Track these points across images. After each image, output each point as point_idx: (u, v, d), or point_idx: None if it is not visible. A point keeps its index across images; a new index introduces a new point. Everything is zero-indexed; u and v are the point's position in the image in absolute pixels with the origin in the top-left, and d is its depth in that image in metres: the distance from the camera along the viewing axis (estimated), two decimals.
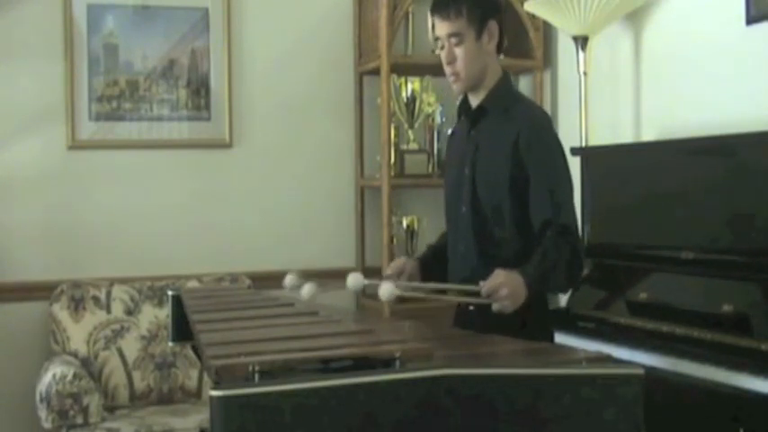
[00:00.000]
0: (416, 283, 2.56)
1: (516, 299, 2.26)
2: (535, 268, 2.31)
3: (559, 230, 2.36)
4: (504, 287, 2.24)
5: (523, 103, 2.57)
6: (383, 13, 4.05)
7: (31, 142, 4.05)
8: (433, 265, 2.65)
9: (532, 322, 2.32)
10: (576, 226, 2.45)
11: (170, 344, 2.81)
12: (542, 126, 2.48)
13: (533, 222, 2.40)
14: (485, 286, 2.26)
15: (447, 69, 2.50)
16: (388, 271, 2.60)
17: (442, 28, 2.47)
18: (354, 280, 2.41)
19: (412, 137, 4.29)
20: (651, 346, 2.81)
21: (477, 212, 2.48)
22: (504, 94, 2.52)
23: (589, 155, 3.51)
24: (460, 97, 2.62)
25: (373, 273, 4.18)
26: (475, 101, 2.54)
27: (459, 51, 2.45)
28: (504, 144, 2.43)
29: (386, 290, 2.27)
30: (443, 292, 2.57)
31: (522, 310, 2.29)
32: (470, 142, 2.53)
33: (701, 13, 3.35)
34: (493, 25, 2.47)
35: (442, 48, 2.49)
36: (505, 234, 2.45)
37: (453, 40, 2.45)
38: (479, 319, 2.34)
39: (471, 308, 2.42)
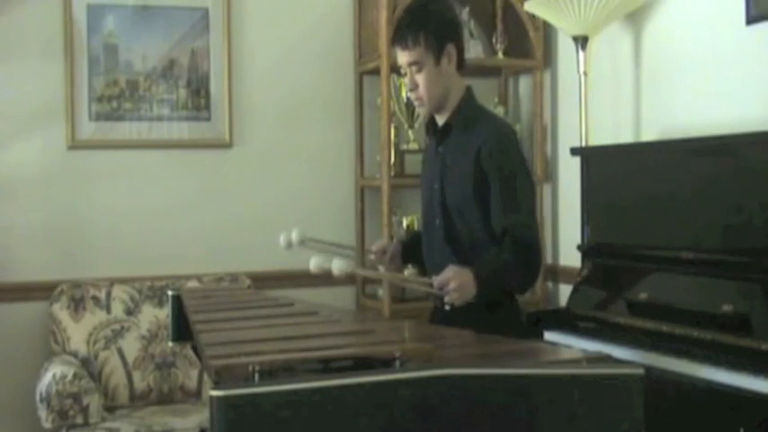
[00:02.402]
0: (378, 271, 2.74)
1: (465, 293, 2.38)
2: (487, 266, 2.43)
3: (516, 235, 2.45)
4: (453, 282, 2.36)
5: (486, 117, 2.66)
6: (383, 13, 4.05)
7: (31, 142, 4.05)
8: (415, 249, 2.77)
9: (506, 324, 2.40)
10: (534, 234, 2.52)
11: (170, 344, 2.81)
12: (503, 136, 2.57)
13: (494, 228, 2.49)
14: (435, 280, 2.39)
15: (411, 95, 2.62)
16: (372, 248, 2.75)
17: (403, 57, 2.57)
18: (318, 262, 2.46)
19: (412, 137, 4.29)
20: (651, 346, 2.81)
21: (449, 224, 2.58)
22: (467, 110, 2.61)
23: (589, 155, 3.51)
24: (427, 117, 2.72)
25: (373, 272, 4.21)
26: (441, 119, 2.64)
27: (420, 78, 2.55)
28: (468, 156, 2.52)
29: (337, 265, 2.39)
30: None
31: (492, 311, 2.42)
32: (438, 158, 2.64)
33: (700, 13, 3.35)
34: (451, 48, 2.56)
35: (405, 74, 2.60)
36: (476, 242, 2.54)
37: (414, 67, 2.55)
38: (456, 320, 2.39)
39: (447, 307, 2.50)
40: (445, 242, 2.59)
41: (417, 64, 2.54)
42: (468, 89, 2.65)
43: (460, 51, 2.60)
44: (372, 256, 2.73)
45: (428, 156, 2.77)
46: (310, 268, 2.43)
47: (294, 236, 2.72)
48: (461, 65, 2.61)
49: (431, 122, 2.70)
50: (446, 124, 2.62)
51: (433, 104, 2.59)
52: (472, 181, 2.50)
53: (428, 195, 2.69)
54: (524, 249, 2.46)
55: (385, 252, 2.73)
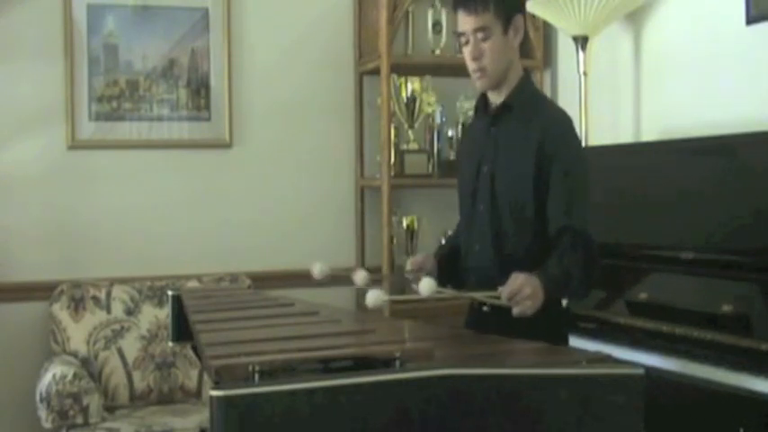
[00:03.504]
0: (439, 290, 2.40)
1: (536, 301, 2.21)
2: (553, 272, 2.27)
3: (576, 236, 2.33)
4: (525, 288, 2.19)
5: (547, 103, 2.56)
6: (383, 13, 4.05)
7: (31, 142, 4.04)
8: (450, 264, 2.61)
9: (548, 324, 2.27)
10: (592, 233, 2.41)
11: (170, 344, 2.81)
12: (568, 129, 2.47)
13: (549, 224, 2.37)
14: (505, 290, 2.21)
15: (472, 65, 2.44)
16: (408, 266, 2.55)
17: (468, 22, 2.41)
18: (374, 297, 2.29)
19: (412, 137, 4.29)
20: (651, 346, 2.81)
21: (495, 210, 2.45)
22: (527, 93, 2.49)
23: (589, 155, 3.49)
24: (479, 94, 2.58)
25: (374, 273, 4.20)
26: (497, 98, 2.50)
27: (486, 46, 2.40)
28: (528, 143, 2.39)
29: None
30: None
31: (537, 311, 2.25)
32: (490, 139, 2.49)
33: (701, 13, 3.35)
34: (519, 20, 2.44)
35: (466, 43, 2.43)
36: (524, 232, 2.41)
37: (480, 35, 2.40)
38: (493, 320, 2.30)
39: (485, 308, 2.38)
40: (490, 230, 2.45)
41: (485, 31, 2.39)
42: (527, 71, 2.53)
43: (525, 29, 2.47)
44: (410, 276, 2.52)
45: (475, 135, 2.61)
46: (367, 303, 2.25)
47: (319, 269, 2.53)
48: (523, 45, 2.48)
49: (482, 100, 2.56)
50: (505, 104, 2.48)
51: (495, 77, 2.44)
52: (532, 173, 2.37)
53: (473, 178, 2.53)
54: (588, 252, 2.34)
55: (422, 268, 2.53)
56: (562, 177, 2.37)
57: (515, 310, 2.20)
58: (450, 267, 2.59)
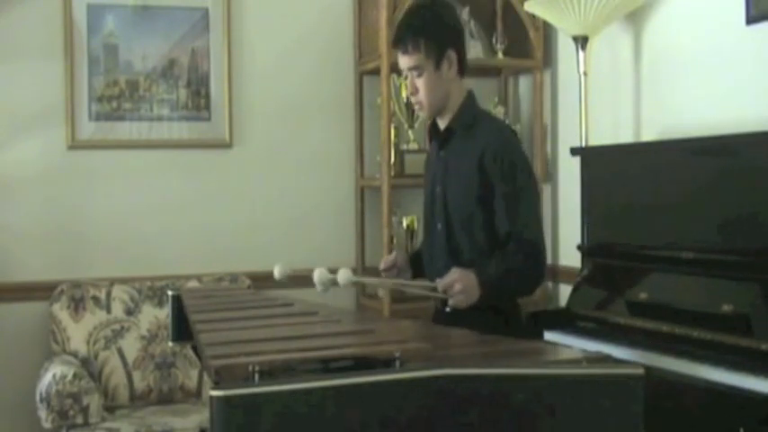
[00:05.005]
0: (378, 279, 2.74)
1: (469, 295, 2.38)
2: (490, 271, 2.42)
3: (519, 242, 2.45)
4: (457, 283, 2.36)
5: (487, 120, 2.66)
6: (383, 13, 4.05)
7: (31, 142, 4.05)
8: (421, 260, 2.76)
9: (505, 328, 2.35)
10: (539, 237, 2.52)
11: (170, 344, 2.81)
12: (506, 140, 2.56)
13: (499, 232, 2.49)
14: (440, 282, 2.39)
15: (411, 99, 2.62)
16: (381, 265, 2.72)
17: (403, 62, 2.57)
18: (320, 274, 2.49)
19: (412, 137, 4.29)
20: (651, 346, 2.82)
21: (450, 228, 2.58)
22: (468, 114, 2.61)
23: (589, 155, 3.51)
24: (429, 121, 2.72)
25: (373, 273, 4.21)
26: (442, 123, 2.64)
27: (419, 83, 2.55)
28: (470, 161, 2.52)
29: (343, 275, 2.42)
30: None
31: (495, 315, 2.42)
32: (440, 162, 2.64)
33: (701, 13, 3.35)
34: (451, 54, 2.55)
35: (406, 78, 2.60)
36: (476, 246, 2.53)
37: (414, 72, 2.55)
38: (454, 322, 2.37)
39: (447, 309, 2.50)
40: (446, 246, 2.58)
41: (417, 69, 2.53)
42: (470, 93, 2.64)
43: (462, 56, 2.58)
44: (384, 274, 2.70)
45: (430, 159, 2.77)
46: (315, 280, 2.45)
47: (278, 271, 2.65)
48: (463, 69, 2.60)
49: (433, 126, 2.69)
50: (448, 128, 2.61)
51: (432, 109, 2.60)
52: (476, 186, 2.50)
53: (430, 199, 2.68)
54: (529, 254, 2.45)
55: (394, 266, 2.71)
56: (504, 187, 2.48)
57: (450, 302, 2.40)
58: (421, 262, 2.75)
